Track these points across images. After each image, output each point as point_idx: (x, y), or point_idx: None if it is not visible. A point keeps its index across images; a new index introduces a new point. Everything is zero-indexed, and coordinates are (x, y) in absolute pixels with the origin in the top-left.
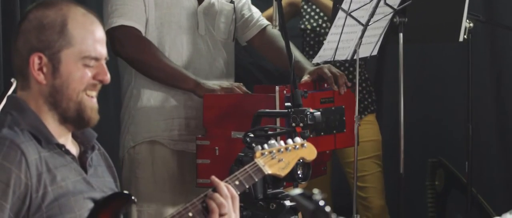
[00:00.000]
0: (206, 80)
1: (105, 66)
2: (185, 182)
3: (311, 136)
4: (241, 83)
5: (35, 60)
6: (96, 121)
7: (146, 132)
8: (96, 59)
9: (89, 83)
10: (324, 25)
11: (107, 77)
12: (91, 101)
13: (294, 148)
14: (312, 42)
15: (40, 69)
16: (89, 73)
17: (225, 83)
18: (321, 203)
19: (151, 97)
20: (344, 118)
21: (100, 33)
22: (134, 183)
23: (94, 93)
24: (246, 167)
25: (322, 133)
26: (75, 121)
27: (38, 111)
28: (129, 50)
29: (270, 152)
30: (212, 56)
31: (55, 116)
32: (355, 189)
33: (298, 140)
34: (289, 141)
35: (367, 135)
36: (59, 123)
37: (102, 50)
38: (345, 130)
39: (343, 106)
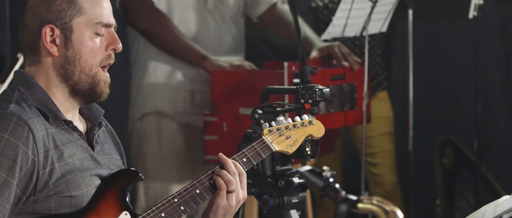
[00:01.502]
0: (217, 57)
1: (115, 34)
2: (192, 158)
3: (320, 112)
4: (252, 63)
5: (47, 32)
6: (106, 94)
7: (152, 103)
8: (107, 26)
9: (103, 56)
10: (336, 0)
11: (120, 45)
12: (105, 75)
13: (302, 125)
14: (326, 19)
15: (53, 41)
16: (100, 43)
17: (235, 61)
18: (331, 179)
19: (157, 68)
20: (355, 95)
21: (107, 2)
22: (141, 160)
23: (107, 66)
24: (253, 144)
25: (332, 110)
26: (86, 94)
27: (48, 85)
28: (144, 21)
29: (278, 129)
30: (221, 32)
31: (65, 89)
32: (363, 166)
33: (305, 117)
34: (297, 118)
35: (379, 111)
36: (68, 96)
37: (111, 18)
38: (356, 107)
39: (355, 83)
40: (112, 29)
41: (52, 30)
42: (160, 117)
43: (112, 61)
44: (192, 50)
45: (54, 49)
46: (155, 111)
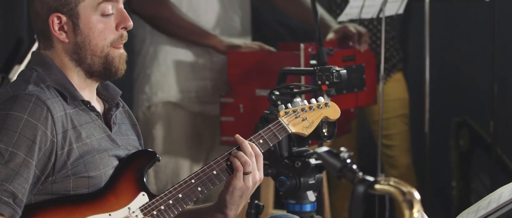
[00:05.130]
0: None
1: (124, 11)
2: (202, 144)
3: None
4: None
5: (54, 20)
6: (123, 71)
7: (161, 93)
8: (113, 1)
9: (115, 36)
10: None
11: (130, 22)
12: (118, 51)
13: (318, 107)
14: (339, 1)
15: (61, 28)
16: (109, 23)
17: (249, 43)
18: (348, 160)
19: (167, 56)
20: (364, 76)
21: None
22: (150, 143)
23: (121, 45)
24: (270, 125)
25: (344, 91)
26: (101, 73)
27: (63, 68)
28: (148, 7)
29: (294, 111)
30: (228, 15)
31: (80, 72)
32: (379, 148)
33: (321, 99)
34: (313, 100)
35: (394, 93)
36: (84, 78)
37: None
38: (365, 88)
39: (363, 65)
40: (121, 6)
41: (59, 18)
42: (170, 106)
43: (124, 40)
44: (204, 33)
45: (63, 36)
46: (165, 102)
